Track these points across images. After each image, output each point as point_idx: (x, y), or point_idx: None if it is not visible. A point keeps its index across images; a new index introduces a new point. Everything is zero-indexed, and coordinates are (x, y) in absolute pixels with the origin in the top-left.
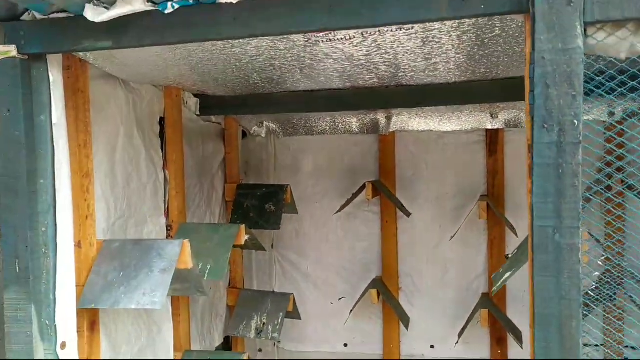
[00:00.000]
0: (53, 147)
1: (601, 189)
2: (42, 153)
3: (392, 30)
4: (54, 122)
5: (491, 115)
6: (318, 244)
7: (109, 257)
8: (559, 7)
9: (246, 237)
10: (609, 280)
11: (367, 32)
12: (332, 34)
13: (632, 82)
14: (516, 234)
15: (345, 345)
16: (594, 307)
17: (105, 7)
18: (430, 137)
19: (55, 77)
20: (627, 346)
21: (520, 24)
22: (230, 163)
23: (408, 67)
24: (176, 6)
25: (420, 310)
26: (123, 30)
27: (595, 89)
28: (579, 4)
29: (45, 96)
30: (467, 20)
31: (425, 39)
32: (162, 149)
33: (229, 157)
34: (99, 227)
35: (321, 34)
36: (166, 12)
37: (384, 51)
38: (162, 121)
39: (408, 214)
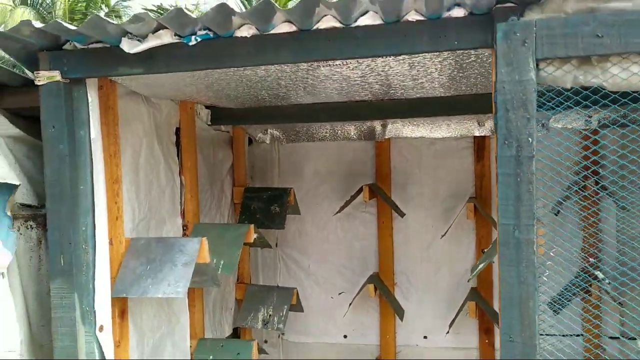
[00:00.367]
0: (91, 157)
1: (578, 188)
2: (82, 163)
3: (383, 57)
4: (92, 136)
5: (478, 124)
6: (319, 242)
7: (136, 253)
8: (515, 46)
9: (255, 235)
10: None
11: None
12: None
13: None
14: None
15: (345, 336)
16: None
17: (139, 40)
18: (423, 143)
19: (93, 97)
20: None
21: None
22: (237, 168)
23: (398, 85)
24: (199, 39)
25: (414, 303)
26: (153, 59)
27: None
28: (531, 44)
29: (84, 114)
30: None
31: (411, 64)
32: (177, 156)
33: (236, 163)
34: (126, 226)
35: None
36: (190, 44)
37: (376, 73)
38: (177, 131)
39: (402, 215)
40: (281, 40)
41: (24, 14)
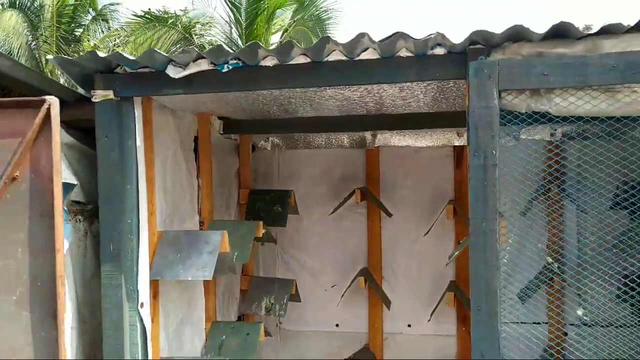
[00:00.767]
0: (136, 162)
1: (543, 191)
2: (129, 167)
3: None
4: (137, 144)
5: (457, 135)
6: (315, 239)
7: (167, 243)
8: (483, 79)
9: (263, 231)
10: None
11: None
12: None
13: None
14: None
15: (337, 325)
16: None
17: (181, 67)
18: (408, 151)
19: (138, 113)
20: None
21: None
22: (244, 172)
23: (390, 104)
24: (230, 67)
25: (400, 294)
26: (191, 82)
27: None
28: (495, 78)
29: (132, 126)
30: None
31: (401, 88)
32: (195, 161)
33: (242, 167)
34: (157, 221)
35: None
36: (223, 71)
37: (372, 95)
38: (195, 139)
39: (390, 215)
40: (298, 69)
41: (12, 17)
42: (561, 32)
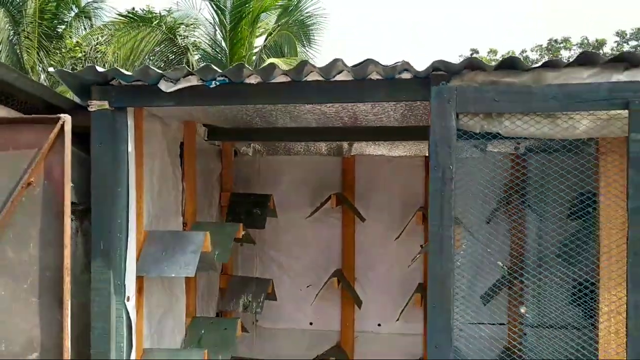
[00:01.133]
0: (128, 167)
1: (506, 201)
2: (120, 171)
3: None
4: (129, 150)
5: (428, 146)
6: (292, 241)
7: (153, 242)
8: (443, 103)
9: (243, 232)
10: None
11: None
12: None
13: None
14: None
15: (311, 323)
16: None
17: (172, 82)
18: (382, 160)
19: (131, 122)
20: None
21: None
22: (225, 176)
23: (363, 118)
24: (217, 83)
25: (371, 295)
26: (181, 95)
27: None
28: (453, 102)
29: (124, 134)
30: None
31: (373, 105)
32: (180, 166)
33: (225, 172)
34: (144, 222)
35: None
36: (211, 86)
37: (346, 110)
38: (181, 145)
39: (363, 220)
40: (279, 87)
41: None
42: (511, 64)
